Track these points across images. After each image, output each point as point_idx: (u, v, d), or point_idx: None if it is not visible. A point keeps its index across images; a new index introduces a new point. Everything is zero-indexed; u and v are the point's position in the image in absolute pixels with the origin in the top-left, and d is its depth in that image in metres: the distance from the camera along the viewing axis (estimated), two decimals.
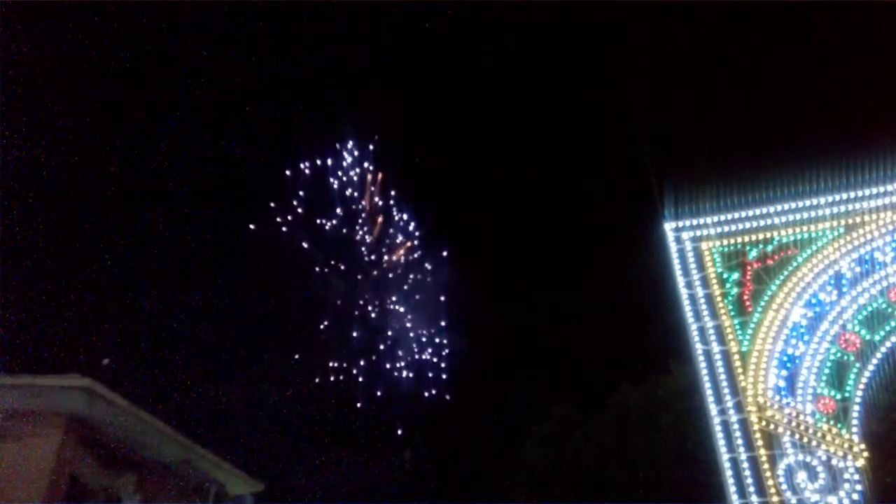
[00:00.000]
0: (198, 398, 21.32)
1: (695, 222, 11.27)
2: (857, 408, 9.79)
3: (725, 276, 10.89)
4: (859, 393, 9.86)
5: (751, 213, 11.06)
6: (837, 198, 10.79)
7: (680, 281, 11.03)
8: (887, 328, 10.14)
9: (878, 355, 10.01)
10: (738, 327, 10.51)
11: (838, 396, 9.90)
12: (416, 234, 24.62)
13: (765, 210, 10.99)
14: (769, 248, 10.87)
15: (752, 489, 9.60)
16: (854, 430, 9.69)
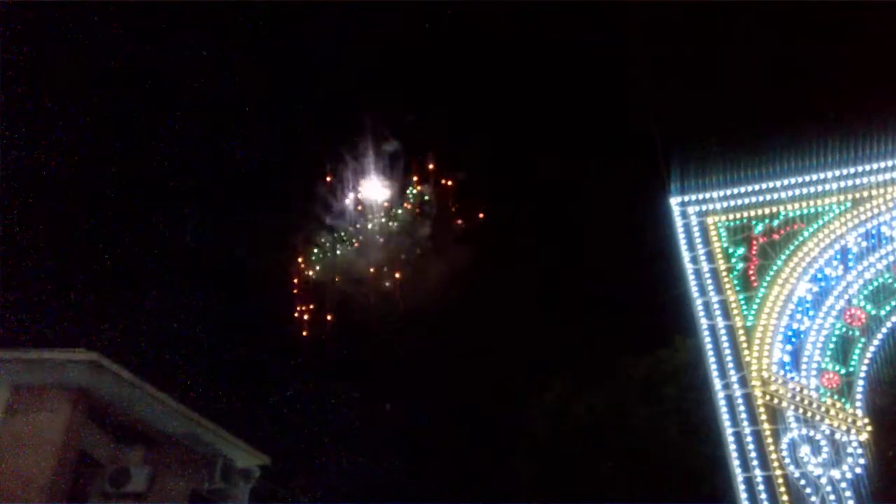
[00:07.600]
0: (204, 372, 21.49)
1: (700, 197, 11.21)
2: (861, 382, 9.80)
3: (731, 250, 10.85)
4: (864, 368, 9.87)
5: (757, 187, 10.98)
6: (844, 172, 10.71)
7: (685, 255, 11.00)
8: (893, 303, 10.12)
9: (884, 330, 10.00)
10: (743, 302, 10.49)
11: (843, 371, 9.91)
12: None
13: (771, 184, 10.92)
14: (775, 222, 10.82)
15: (755, 463, 9.64)
16: (858, 404, 9.71)
